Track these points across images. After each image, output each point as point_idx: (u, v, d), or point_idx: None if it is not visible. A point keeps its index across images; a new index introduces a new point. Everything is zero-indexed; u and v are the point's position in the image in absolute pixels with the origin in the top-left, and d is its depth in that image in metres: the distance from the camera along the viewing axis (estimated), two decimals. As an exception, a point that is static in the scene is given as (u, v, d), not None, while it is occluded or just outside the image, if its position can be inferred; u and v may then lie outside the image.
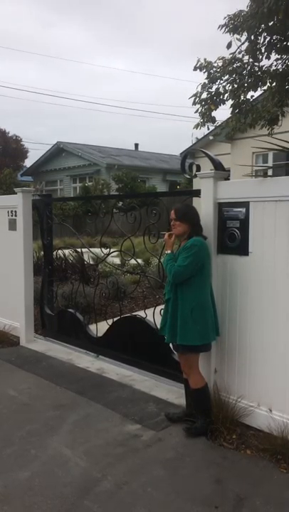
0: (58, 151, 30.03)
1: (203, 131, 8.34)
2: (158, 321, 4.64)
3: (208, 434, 3.60)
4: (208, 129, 8.02)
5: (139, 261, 7.55)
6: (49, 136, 71.49)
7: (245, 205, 3.71)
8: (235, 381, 3.81)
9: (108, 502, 2.87)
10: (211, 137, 17.40)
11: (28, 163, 34.07)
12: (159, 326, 3.92)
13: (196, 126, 7.68)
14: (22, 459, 3.37)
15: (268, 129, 7.57)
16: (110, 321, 5.35)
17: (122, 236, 9.75)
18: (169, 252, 3.74)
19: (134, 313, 5.25)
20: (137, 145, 34.62)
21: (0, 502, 2.89)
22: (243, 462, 3.29)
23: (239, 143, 15.93)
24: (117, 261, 9.44)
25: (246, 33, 6.43)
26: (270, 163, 16.50)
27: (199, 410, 3.70)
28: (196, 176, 4.12)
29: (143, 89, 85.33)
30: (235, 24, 6.42)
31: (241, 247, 3.75)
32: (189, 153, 19.42)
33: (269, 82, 7.16)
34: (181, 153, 21.00)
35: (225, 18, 6.65)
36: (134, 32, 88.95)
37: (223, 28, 6.64)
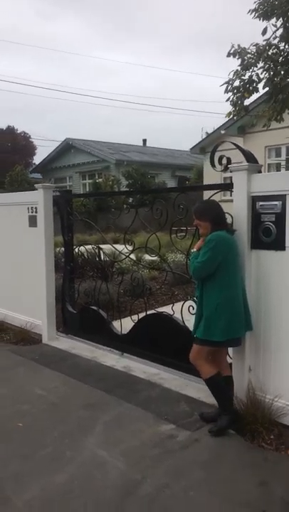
0: (67, 147, 29.97)
1: (213, 125, 8.24)
2: (185, 318, 4.60)
3: (235, 427, 3.57)
4: (234, 117, 7.80)
5: (155, 257, 7.48)
6: (54, 132, 71.34)
7: (282, 198, 3.58)
8: (271, 380, 3.71)
9: (151, 506, 2.78)
10: (222, 131, 17.27)
11: (37, 160, 34.11)
12: (185, 323, 3.87)
13: (228, 115, 7.51)
14: (57, 461, 3.29)
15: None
16: (135, 318, 5.27)
17: (134, 232, 9.70)
18: (194, 250, 3.71)
19: (160, 310, 5.15)
20: (145, 141, 34.51)
21: (40, 506, 2.82)
22: (286, 464, 3.20)
23: (251, 137, 15.77)
24: (132, 257, 9.36)
25: (281, 19, 6.24)
26: (284, 156, 16.33)
27: (217, 398, 3.68)
28: (227, 168, 4.01)
29: (146, 83, 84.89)
30: (265, 9, 6.25)
31: (277, 242, 3.63)
32: (202, 148, 19.33)
33: None
34: (191, 149, 20.87)
35: (255, 2, 6.49)
36: (135, 25, 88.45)
37: (253, 13, 6.49)
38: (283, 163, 15.58)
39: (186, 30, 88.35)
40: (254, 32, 7.43)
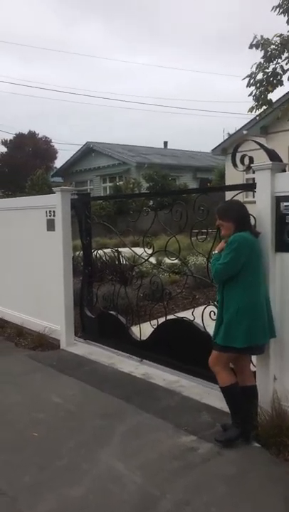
0: (88, 151, 30.06)
1: (235, 126, 8.04)
2: (206, 323, 4.43)
3: (249, 438, 3.42)
4: (262, 112, 7.57)
5: (176, 260, 7.31)
6: (75, 136, 71.88)
7: (308, 198, 3.40)
8: (298, 390, 3.52)
9: (170, 525, 2.63)
10: (244, 131, 17.00)
11: (58, 163, 34.33)
12: (206, 329, 3.71)
13: (251, 110, 7.31)
14: (73, 473, 3.16)
15: None
16: (154, 323, 5.12)
17: (154, 235, 9.55)
18: (216, 252, 3.57)
19: (180, 315, 4.99)
20: (166, 143, 34.37)
21: (53, 522, 2.69)
22: (313, 480, 3.00)
23: (275, 136, 15.47)
24: (152, 260, 9.21)
25: None
26: (308, 157, 15.97)
27: (229, 408, 3.53)
28: (250, 168, 3.84)
29: (166, 86, 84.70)
30: None
31: (304, 244, 3.45)
32: (224, 149, 19.06)
33: None
34: (213, 150, 20.63)
35: None
36: (154, 27, 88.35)
37: (278, 9, 6.30)
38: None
39: (205, 30, 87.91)
40: (277, 31, 7.23)
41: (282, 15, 6.26)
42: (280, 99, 9.49)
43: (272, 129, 15.89)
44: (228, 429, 3.51)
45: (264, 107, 7.14)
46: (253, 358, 3.75)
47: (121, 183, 25.67)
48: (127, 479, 3.07)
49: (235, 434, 3.43)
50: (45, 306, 6.27)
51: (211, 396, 4.24)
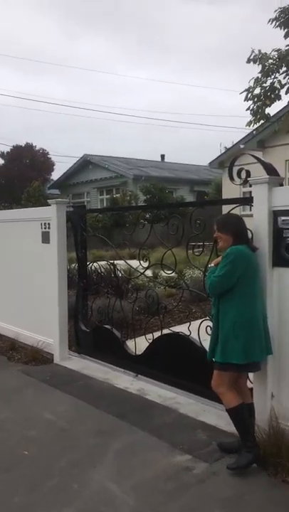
0: (85, 163, 30.11)
1: (232, 140, 8.05)
2: (202, 338, 4.35)
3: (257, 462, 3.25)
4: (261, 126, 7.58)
5: (172, 274, 7.24)
6: (73, 149, 72.10)
7: (306, 212, 3.36)
8: (296, 408, 3.44)
9: None
10: (241, 145, 17.09)
11: (55, 176, 34.38)
12: (203, 344, 3.62)
13: (249, 124, 7.31)
14: (64, 494, 3.06)
15: None
16: (149, 337, 5.03)
17: (151, 247, 9.49)
18: (212, 265, 3.50)
19: (175, 329, 4.91)
20: (163, 156, 34.49)
21: None
22: (313, 503, 2.91)
23: (271, 151, 15.53)
24: (148, 273, 9.14)
25: None
26: (304, 171, 16.03)
27: (238, 431, 3.37)
28: (246, 181, 3.80)
29: (163, 100, 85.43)
30: (287, 17, 6.08)
31: (301, 259, 3.39)
32: (221, 163, 19.13)
33: None
34: (210, 163, 20.70)
35: (276, 11, 6.34)
36: (150, 41, 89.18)
37: (274, 22, 6.33)
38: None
39: (202, 45, 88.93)
40: (273, 45, 7.25)
41: (279, 28, 6.28)
42: (278, 113, 9.52)
43: (269, 143, 15.97)
44: (239, 455, 3.30)
45: (262, 121, 7.14)
46: (250, 375, 3.67)
47: (118, 195, 25.67)
48: (120, 501, 2.97)
49: (247, 461, 3.23)
50: (39, 319, 6.18)
51: (207, 413, 4.15)
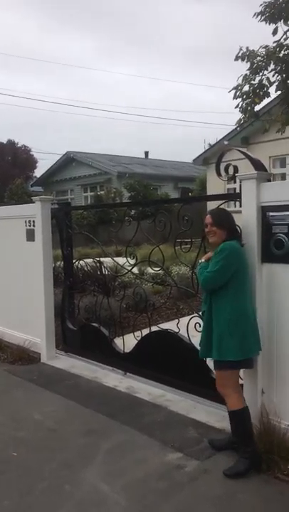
0: (68, 160, 29.87)
1: (216, 136, 8.02)
2: (191, 335, 4.32)
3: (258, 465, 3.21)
4: (252, 125, 7.54)
5: (159, 270, 7.21)
6: (57, 146, 71.50)
7: (295, 208, 3.35)
8: (287, 403, 3.43)
9: None
10: (225, 142, 17.11)
11: (38, 173, 34.03)
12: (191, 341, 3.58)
13: (238, 123, 7.27)
14: (56, 495, 3.01)
15: None
16: (138, 335, 4.99)
17: (137, 245, 9.45)
18: (202, 260, 3.45)
19: (164, 326, 4.88)
20: (147, 153, 34.41)
21: None
22: (305, 499, 2.91)
23: (255, 147, 15.56)
24: (134, 270, 9.09)
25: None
26: None
27: (238, 436, 3.32)
28: (234, 177, 3.78)
29: (147, 97, 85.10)
30: (272, 12, 6.05)
31: (290, 255, 3.39)
32: (205, 159, 19.14)
33: None
34: (194, 160, 20.69)
35: (261, 5, 6.29)
36: (136, 37, 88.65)
37: (259, 16, 6.29)
38: (289, 172, 15.38)
39: (186, 41, 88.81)
40: (260, 41, 7.25)
41: (264, 22, 6.24)
42: (268, 110, 9.48)
43: (253, 139, 16.02)
44: (237, 461, 3.22)
45: (251, 119, 7.12)
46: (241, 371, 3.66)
47: (102, 192, 25.55)
48: (112, 501, 2.93)
49: (245, 467, 3.15)
50: (26, 318, 6.09)
51: (198, 410, 4.14)
